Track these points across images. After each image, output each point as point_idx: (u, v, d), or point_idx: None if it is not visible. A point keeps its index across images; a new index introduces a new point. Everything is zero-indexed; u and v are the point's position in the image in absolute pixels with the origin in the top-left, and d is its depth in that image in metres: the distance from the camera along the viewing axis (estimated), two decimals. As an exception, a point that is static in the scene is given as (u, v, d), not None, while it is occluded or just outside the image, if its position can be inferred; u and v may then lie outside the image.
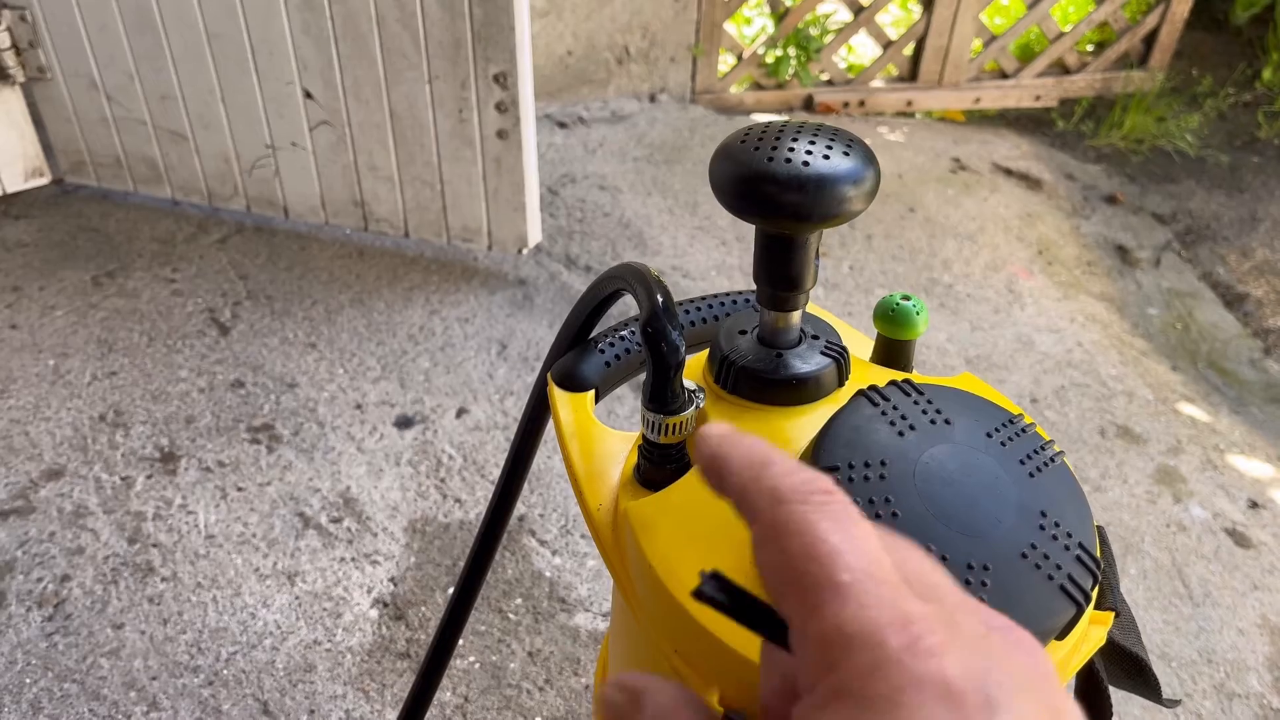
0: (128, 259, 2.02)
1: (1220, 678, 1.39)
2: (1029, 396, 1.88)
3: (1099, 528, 0.69)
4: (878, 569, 0.26)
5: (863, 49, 3.53)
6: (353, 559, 1.45)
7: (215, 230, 2.11)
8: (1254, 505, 1.69)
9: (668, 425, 0.63)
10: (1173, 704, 0.76)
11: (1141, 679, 0.73)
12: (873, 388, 0.63)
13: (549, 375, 0.76)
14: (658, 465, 0.66)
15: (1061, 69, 3.24)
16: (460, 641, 1.35)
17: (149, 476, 1.55)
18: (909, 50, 3.08)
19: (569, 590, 1.42)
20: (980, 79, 3.18)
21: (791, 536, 0.27)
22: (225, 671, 1.29)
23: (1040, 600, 0.54)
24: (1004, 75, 3.20)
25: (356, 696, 1.28)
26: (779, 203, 0.59)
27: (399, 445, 1.63)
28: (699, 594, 0.32)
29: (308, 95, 1.88)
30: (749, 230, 2.30)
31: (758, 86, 3.05)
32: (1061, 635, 0.56)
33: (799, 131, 0.61)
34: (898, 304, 0.73)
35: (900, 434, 0.60)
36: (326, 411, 1.69)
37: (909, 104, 3.11)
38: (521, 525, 1.51)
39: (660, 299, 0.63)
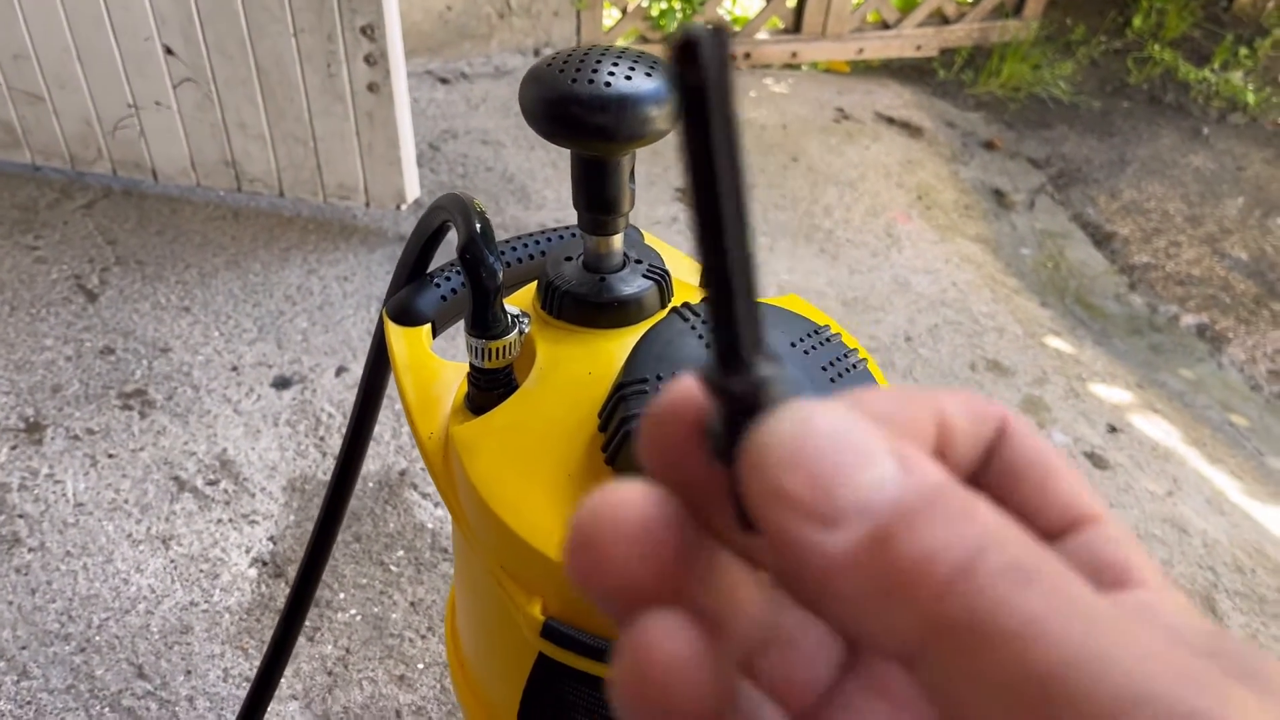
0: (-14, 227, 1.94)
1: (1076, 590, 1.46)
2: (904, 335, 1.94)
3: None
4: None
5: (747, 0, 3.55)
6: (230, 520, 1.43)
7: (80, 195, 2.04)
8: (1112, 430, 1.78)
9: (491, 350, 0.64)
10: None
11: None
12: (685, 305, 0.65)
13: (383, 311, 0.76)
14: (486, 391, 0.67)
15: (941, 19, 3.31)
16: (341, 595, 1.35)
17: (13, 447, 1.50)
18: (793, 2, 3.11)
19: (451, 541, 1.42)
20: (863, 30, 3.23)
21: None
22: (98, 638, 1.27)
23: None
24: (886, 26, 3.25)
25: (235, 654, 1.27)
26: (585, 124, 0.60)
27: (277, 406, 1.61)
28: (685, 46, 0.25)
29: (168, 51, 1.82)
30: (634, 182, 2.31)
31: (643, 40, 3.05)
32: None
33: (604, 55, 0.62)
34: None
35: (708, 346, 0.62)
36: (201, 375, 1.66)
37: (794, 55, 3.15)
38: (403, 479, 1.51)
39: (478, 226, 0.63)
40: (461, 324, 0.67)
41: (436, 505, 1.47)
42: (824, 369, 0.62)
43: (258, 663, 1.25)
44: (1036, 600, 0.15)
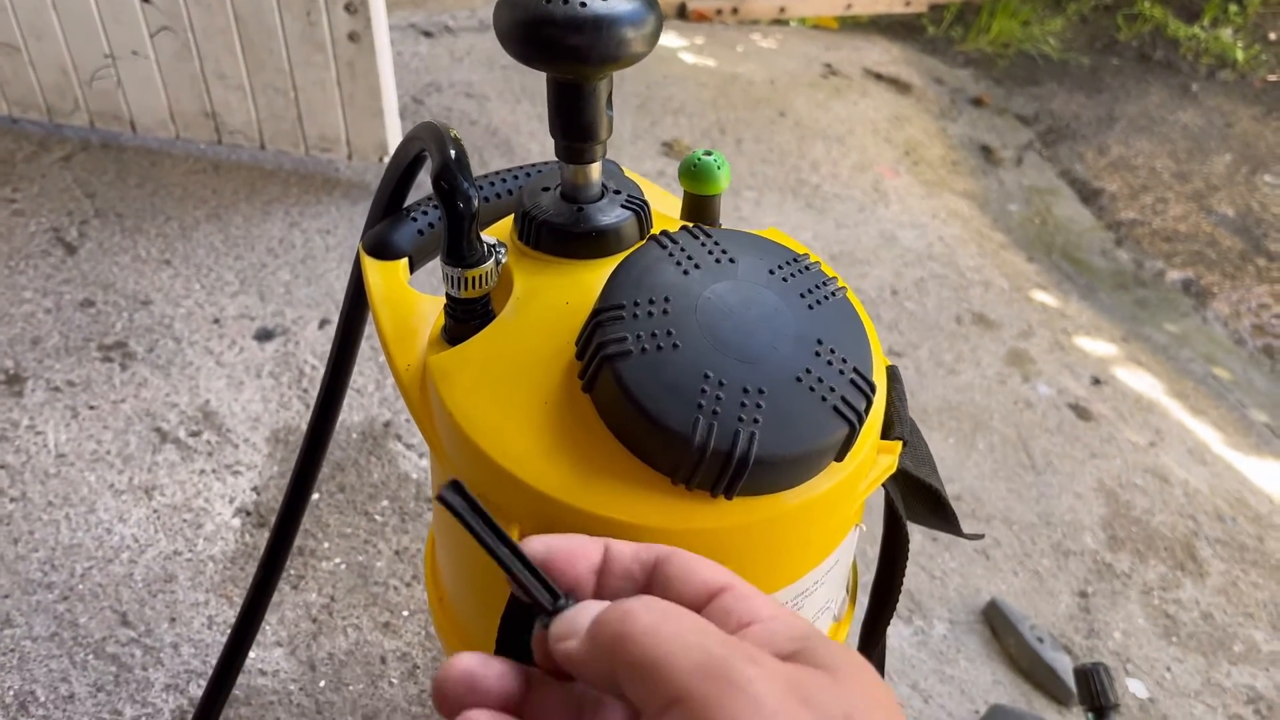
0: (-37, 180, 1.91)
1: (1058, 538, 1.47)
2: (889, 288, 1.94)
3: (891, 367, 0.72)
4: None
5: (738, -43, 3.50)
6: (213, 470, 1.43)
7: (58, 148, 2.01)
8: (1096, 382, 1.78)
9: (467, 279, 0.63)
10: (974, 537, 0.81)
11: (940, 513, 0.77)
12: (664, 233, 0.64)
13: (360, 245, 0.75)
14: (462, 322, 0.66)
15: (931, -26, 3.28)
16: (325, 545, 1.35)
17: (-7, 399, 1.49)
18: (781, -44, 3.08)
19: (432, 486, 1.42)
20: (852, -15, 3.20)
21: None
22: (81, 586, 1.27)
23: (814, 419, 0.57)
24: (875, -19, 3.22)
25: (219, 602, 1.27)
26: (560, 46, 0.59)
27: (259, 358, 1.60)
28: (441, 498, 0.36)
29: (145, -1, 1.79)
30: (618, 136, 2.30)
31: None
32: (840, 455, 0.59)
33: (578, -25, 0.61)
34: (699, 159, 0.74)
35: (685, 272, 0.61)
36: (183, 327, 1.64)
37: (782, 10, 3.12)
38: (388, 430, 1.51)
39: (453, 152, 0.62)
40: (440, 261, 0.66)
41: (421, 456, 1.47)
42: (801, 296, 0.62)
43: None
44: (666, 640, 0.28)
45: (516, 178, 0.78)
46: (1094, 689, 1.11)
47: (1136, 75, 3.18)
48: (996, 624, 1.31)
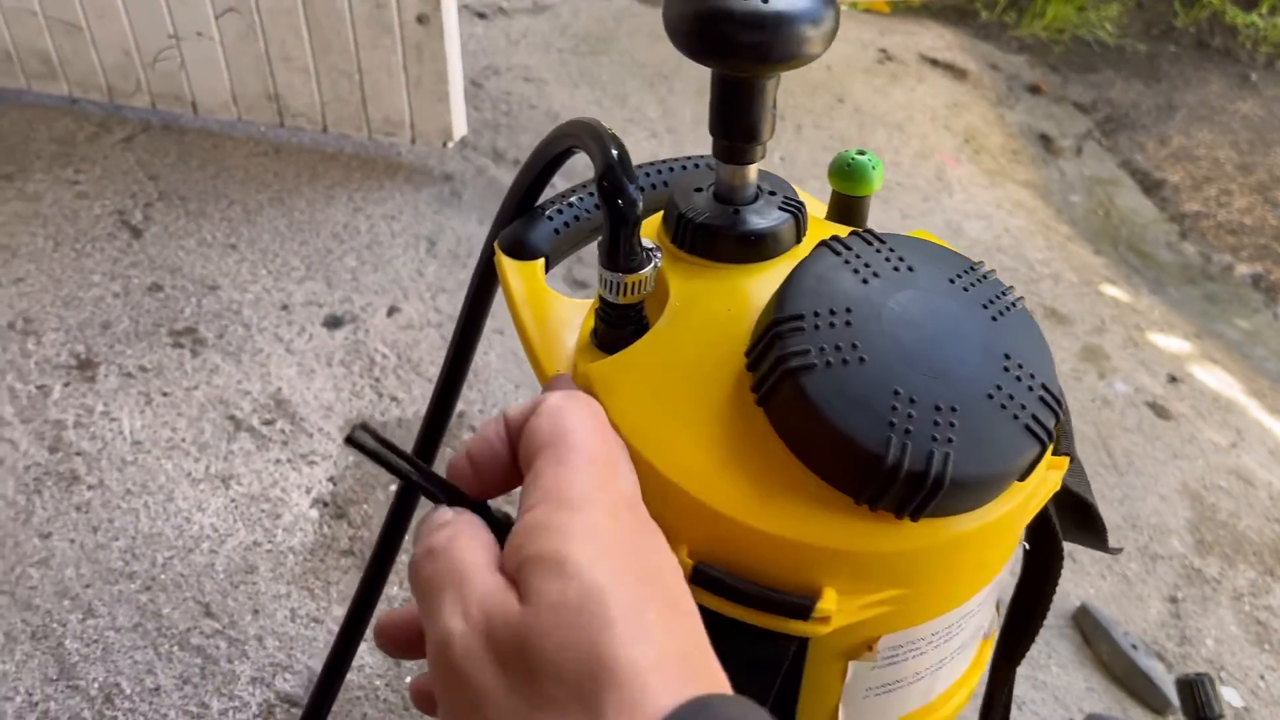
0: (25, 161, 1.90)
1: (1144, 541, 1.45)
2: (960, 281, 1.91)
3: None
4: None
5: (787, -62, 3.45)
6: (289, 460, 1.41)
7: (119, 129, 2.00)
8: (1173, 380, 1.75)
9: (627, 284, 0.61)
10: (1115, 551, 0.78)
11: (1090, 527, 0.75)
12: (835, 238, 0.61)
13: (495, 244, 0.73)
14: (617, 327, 0.64)
15: (985, -43, 3.22)
16: (406, 537, 1.33)
17: (66, 384, 1.48)
18: (835, -62, 3.02)
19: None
20: (906, -32, 3.14)
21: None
22: (163, 576, 1.26)
23: (1007, 439, 0.54)
24: (929, -36, 3.16)
25: (301, 594, 1.26)
26: (737, 42, 0.57)
27: (329, 345, 1.59)
28: (349, 439, 0.36)
29: (211, -20, 1.77)
30: (680, 121, 2.26)
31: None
32: (1024, 476, 0.57)
33: (756, -32, 0.58)
34: (853, 159, 0.72)
35: (864, 281, 0.59)
36: (251, 313, 1.63)
37: (835, -6, 3.07)
38: (461, 421, 1.49)
39: (616, 153, 0.60)
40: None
41: (495, 447, 1.46)
42: (984, 306, 0.59)
43: (324, 603, 1.25)
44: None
45: (660, 172, 0.75)
46: (1199, 700, 1.09)
47: (1194, 63, 3.12)
48: (1088, 630, 1.29)
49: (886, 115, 2.46)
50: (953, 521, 0.58)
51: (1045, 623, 1.41)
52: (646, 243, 0.66)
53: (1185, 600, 1.37)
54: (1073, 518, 0.77)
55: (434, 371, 1.56)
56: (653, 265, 0.65)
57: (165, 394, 1.48)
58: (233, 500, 1.35)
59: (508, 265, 0.75)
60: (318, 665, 1.20)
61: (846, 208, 0.75)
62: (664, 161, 0.78)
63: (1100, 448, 1.58)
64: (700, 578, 0.59)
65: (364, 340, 1.60)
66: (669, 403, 0.62)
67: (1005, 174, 2.34)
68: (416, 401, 1.51)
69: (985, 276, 0.63)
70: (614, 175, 0.61)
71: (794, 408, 0.58)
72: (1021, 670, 1.25)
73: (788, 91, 2.47)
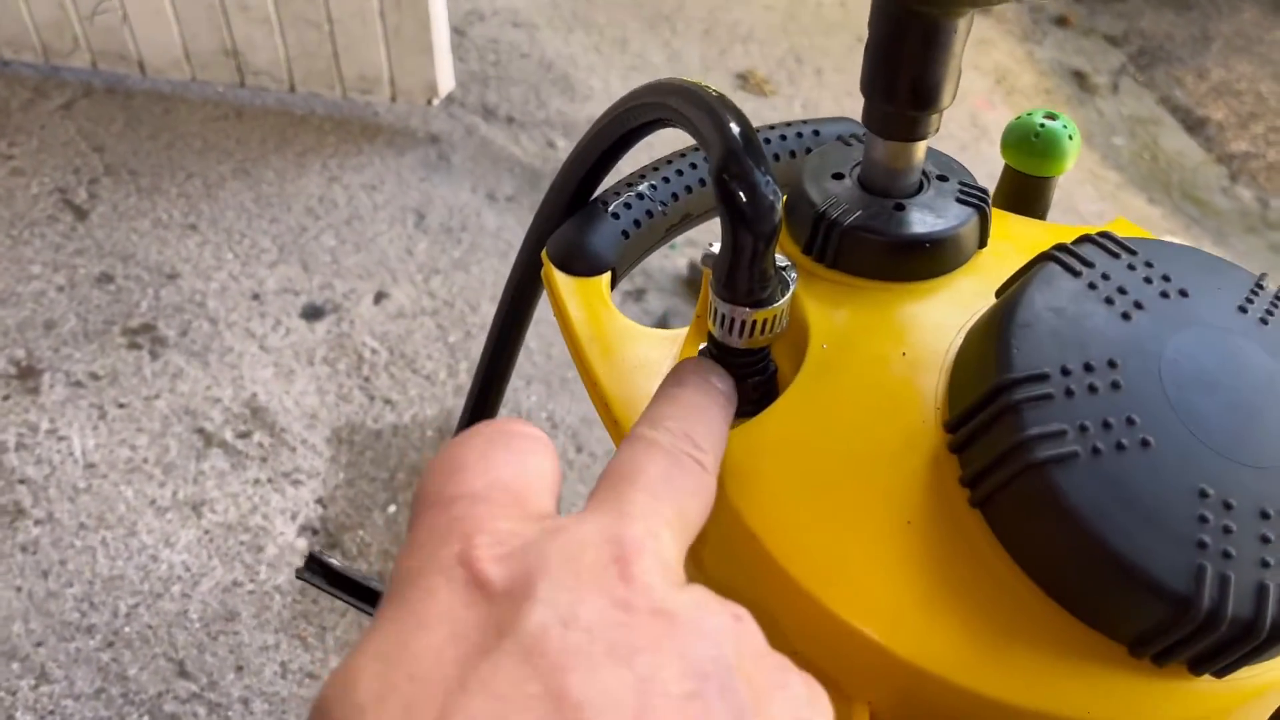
0: (-49, 134, 1.67)
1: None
2: (1010, 240, 1.73)
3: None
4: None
5: None
6: (269, 480, 1.22)
7: (57, 94, 1.76)
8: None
9: (756, 323, 0.41)
10: None
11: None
12: (1062, 247, 0.42)
13: (544, 253, 0.53)
14: (735, 381, 0.45)
15: (1000, -121, 3.00)
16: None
17: (5, 398, 1.28)
18: None
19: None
20: (915, -108, 2.92)
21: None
22: (127, 629, 1.07)
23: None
24: (940, -113, 2.94)
25: (292, 644, 1.07)
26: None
27: (310, 340, 1.38)
28: (300, 574, 0.31)
29: (152, -82, 1.54)
30: (687, 67, 2.05)
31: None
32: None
33: None
34: (1043, 125, 0.52)
35: (1125, 315, 0.40)
36: (218, 305, 1.42)
37: (841, -77, 2.84)
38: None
39: (737, 129, 0.40)
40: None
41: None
42: (1291, 343, 0.40)
43: (319, 654, 1.06)
44: None
45: (770, 142, 0.55)
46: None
47: (1225, -11, 2.92)
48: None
49: (909, 55, 2.25)
50: (1254, 672, 0.40)
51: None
52: (780, 259, 0.45)
53: None
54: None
55: (431, 367, 1.37)
56: (789, 293, 0.45)
57: (121, 405, 1.28)
58: (206, 531, 1.16)
59: (562, 283, 0.54)
60: (315, 733, 1.02)
61: (1025, 191, 0.55)
62: (772, 128, 0.58)
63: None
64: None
65: (349, 333, 1.39)
66: (836, 506, 0.42)
67: (1041, 116, 2.15)
68: (414, 404, 1.31)
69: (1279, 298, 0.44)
70: (741, 165, 0.40)
71: (1040, 517, 0.38)
72: None
73: (801, 31, 2.25)
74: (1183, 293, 0.41)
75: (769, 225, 0.39)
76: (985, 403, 0.38)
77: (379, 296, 1.45)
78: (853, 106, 2.00)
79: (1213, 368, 0.39)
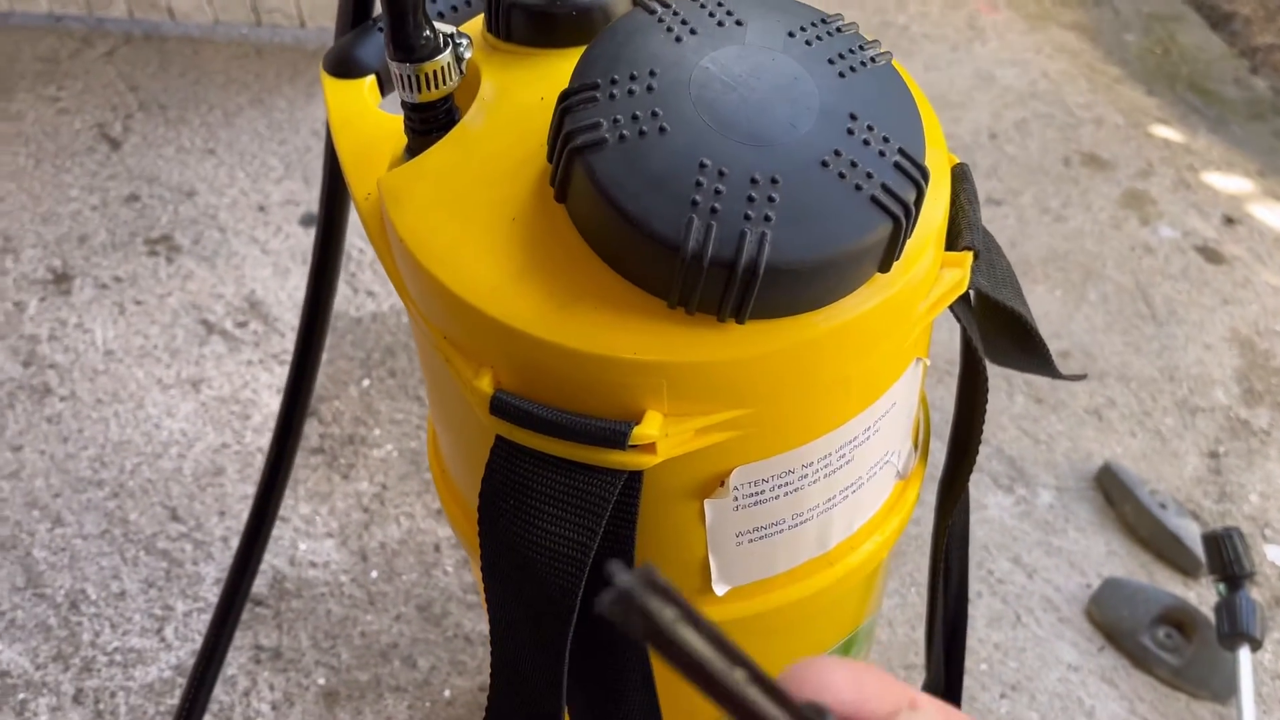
0: (9, 82, 1.87)
1: (1183, 394, 1.30)
2: (987, 131, 1.74)
3: (959, 165, 0.58)
4: None
5: None
6: (260, 360, 1.37)
7: (101, 43, 1.95)
8: (1229, 221, 1.57)
9: (421, 76, 0.52)
10: (1075, 378, 0.66)
11: (1027, 347, 0.63)
12: (651, -7, 0.51)
13: (320, 64, 0.64)
14: (423, 134, 0.55)
15: None
16: (376, 431, 1.28)
17: (42, 299, 1.46)
18: None
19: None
20: None
21: None
22: (130, 483, 1.23)
23: (845, 213, 0.44)
24: None
25: (268, 494, 1.22)
26: None
27: (305, 243, 1.52)
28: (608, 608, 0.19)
29: None
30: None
31: None
32: (885, 264, 0.46)
33: None
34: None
35: (678, 40, 0.48)
36: (228, 217, 1.58)
37: None
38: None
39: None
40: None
41: (473, 336, 1.38)
42: (830, 62, 0.48)
43: (290, 501, 1.20)
44: None
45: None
46: (1226, 556, 0.97)
47: (1275, -118, 2.79)
48: (1111, 490, 1.17)
49: (915, -35, 2.26)
50: (794, 323, 0.48)
51: (1062, 485, 1.29)
52: (444, 27, 0.55)
53: (1227, 454, 1.23)
54: (1009, 337, 0.66)
55: (409, 262, 1.49)
56: (451, 51, 0.55)
57: (139, 302, 1.44)
58: (203, 404, 1.31)
59: (329, 85, 0.66)
60: (282, 564, 1.16)
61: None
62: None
63: (1138, 297, 1.43)
64: (500, 407, 0.50)
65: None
66: (466, 209, 0.53)
67: (1049, 17, 2.13)
68: (392, 295, 1.44)
69: (840, 29, 0.52)
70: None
71: (587, 195, 0.48)
72: (1032, 535, 1.15)
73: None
74: (739, 22, 0.49)
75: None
76: (555, 113, 0.47)
77: (369, 204, 1.58)
78: (849, 14, 2.03)
79: (741, 74, 0.47)
